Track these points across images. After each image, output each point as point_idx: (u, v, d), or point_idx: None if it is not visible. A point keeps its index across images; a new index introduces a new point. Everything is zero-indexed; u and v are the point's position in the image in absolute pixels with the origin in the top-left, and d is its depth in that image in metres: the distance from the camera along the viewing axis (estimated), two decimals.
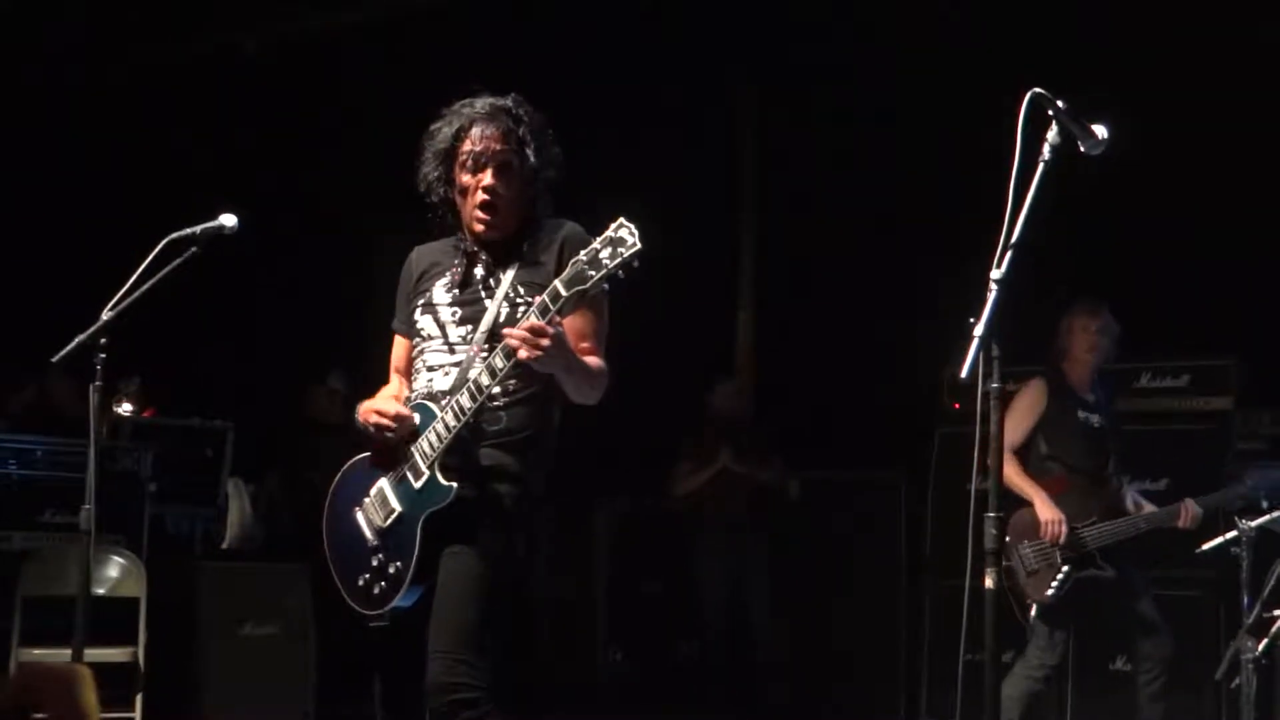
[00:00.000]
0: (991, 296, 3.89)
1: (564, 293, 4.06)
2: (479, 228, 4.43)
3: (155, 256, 5.02)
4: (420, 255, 4.63)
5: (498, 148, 4.38)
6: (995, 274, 3.91)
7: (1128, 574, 6.74)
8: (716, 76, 9.69)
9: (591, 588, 10.18)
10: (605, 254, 4.00)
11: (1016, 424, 6.75)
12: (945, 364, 8.18)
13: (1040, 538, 6.54)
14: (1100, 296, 6.97)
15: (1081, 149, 4.11)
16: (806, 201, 9.45)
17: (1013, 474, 6.67)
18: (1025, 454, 6.80)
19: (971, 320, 3.88)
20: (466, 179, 4.40)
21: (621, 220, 4.03)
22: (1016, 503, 6.66)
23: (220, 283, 7.73)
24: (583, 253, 4.03)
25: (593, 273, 4.01)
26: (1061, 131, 4.05)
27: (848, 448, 9.05)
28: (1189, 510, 6.69)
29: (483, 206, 4.40)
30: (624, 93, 9.55)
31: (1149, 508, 6.83)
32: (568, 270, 4.05)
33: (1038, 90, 4.05)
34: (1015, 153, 3.97)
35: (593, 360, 4.34)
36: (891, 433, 8.91)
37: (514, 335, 4.07)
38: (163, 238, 5.07)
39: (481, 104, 4.45)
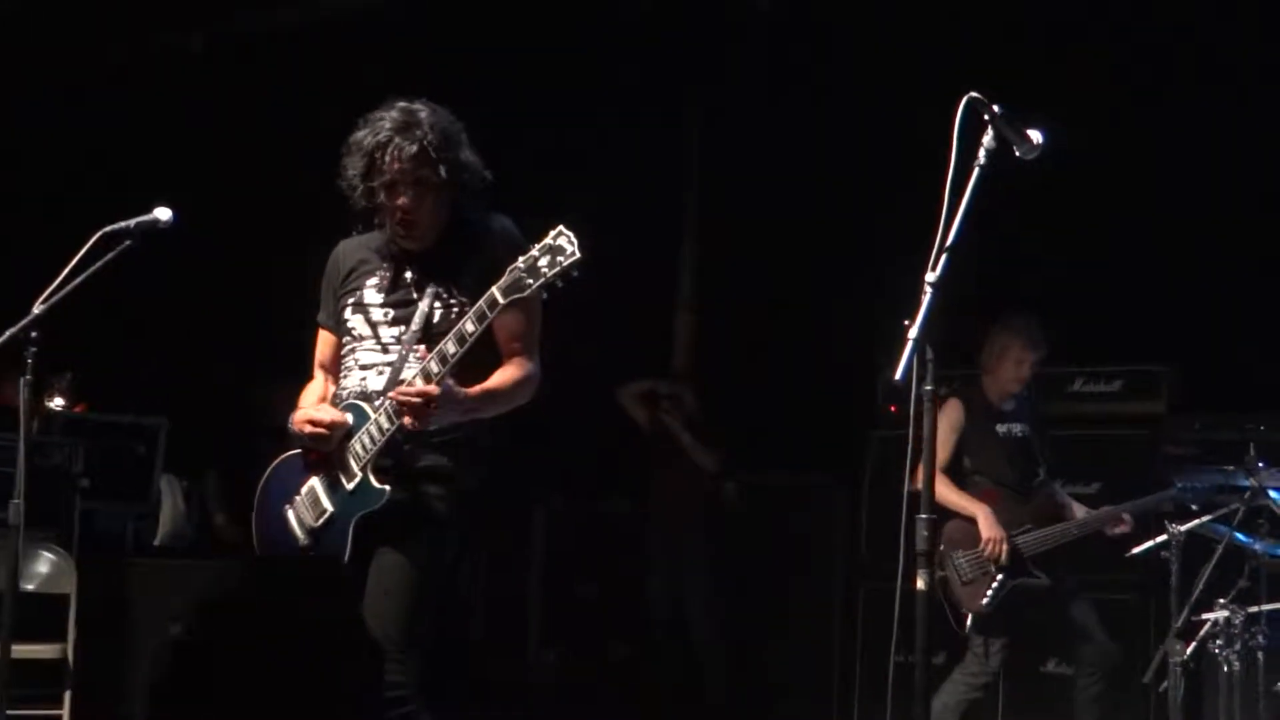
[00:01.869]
0: (926, 300, 3.91)
1: (501, 300, 4.07)
2: (400, 243, 4.44)
3: (89, 250, 4.98)
4: (347, 250, 4.62)
5: (409, 167, 4.35)
6: (930, 277, 3.93)
7: (1061, 581, 6.78)
8: (661, 79, 9.69)
9: (526, 587, 10.17)
10: (544, 262, 4.01)
11: (940, 445, 6.78)
12: (881, 368, 8.20)
13: (975, 549, 6.57)
14: (1038, 316, 6.98)
15: (1017, 154, 4.13)
16: (748, 204, 9.46)
17: (949, 493, 6.70)
18: (954, 471, 6.82)
19: (906, 323, 3.90)
20: (383, 199, 4.40)
21: (561, 228, 4.04)
22: (950, 512, 6.70)
23: (156, 278, 7.68)
24: (521, 260, 4.04)
25: (531, 280, 4.02)
26: (997, 136, 4.07)
27: (786, 450, 9.07)
28: (1120, 514, 6.74)
29: (401, 224, 4.40)
30: (568, 94, 9.55)
31: (1081, 513, 6.87)
32: (505, 277, 4.06)
33: (974, 95, 4.07)
34: (951, 157, 3.99)
35: (510, 371, 4.35)
36: (829, 436, 8.94)
37: (401, 406, 4.11)
38: (99, 231, 5.02)
39: (393, 119, 4.40)
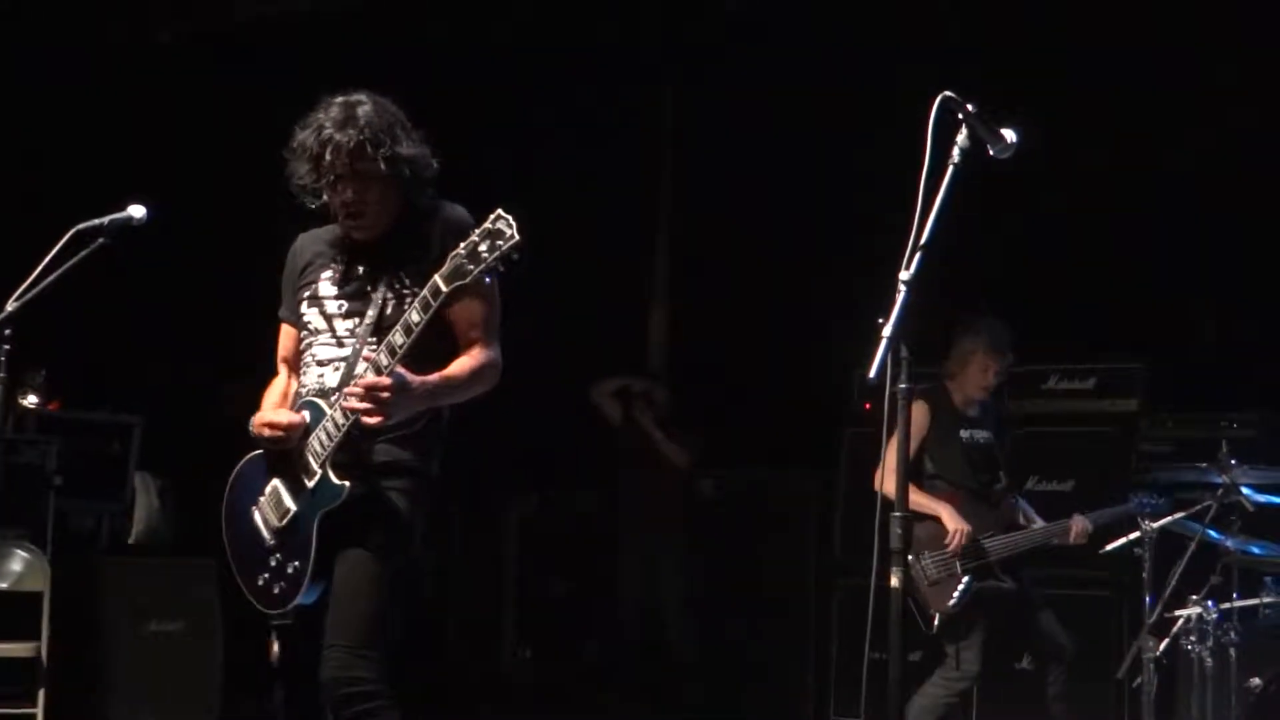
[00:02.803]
0: (900, 298, 3.92)
1: (444, 288, 4.07)
2: (349, 233, 4.44)
3: (62, 247, 4.97)
4: (304, 243, 4.62)
5: (348, 161, 4.34)
6: (904, 275, 3.94)
7: (1026, 586, 6.81)
8: (634, 72, 9.69)
9: (500, 586, 10.17)
10: (484, 247, 4.00)
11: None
12: (856, 365, 8.22)
13: (943, 548, 6.59)
14: (1004, 320, 6.98)
15: (990, 153, 4.14)
16: (721, 198, 9.47)
17: (912, 493, 6.71)
18: (916, 473, 6.83)
19: (880, 321, 3.91)
20: (329, 195, 4.41)
21: (499, 212, 4.03)
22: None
23: (131, 275, 7.66)
24: (461, 246, 4.04)
25: (471, 267, 4.02)
26: (971, 135, 4.09)
27: (760, 446, 9.08)
28: (1078, 525, 6.76)
29: (349, 216, 4.40)
30: (541, 87, 9.55)
31: (1039, 522, 6.89)
32: (447, 265, 4.05)
33: (948, 94, 4.08)
34: (925, 155, 4.00)
35: (469, 359, 4.34)
36: (803, 432, 8.95)
37: (351, 405, 4.11)
38: (72, 228, 5.01)
39: (332, 117, 4.39)
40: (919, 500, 6.66)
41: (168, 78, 9.89)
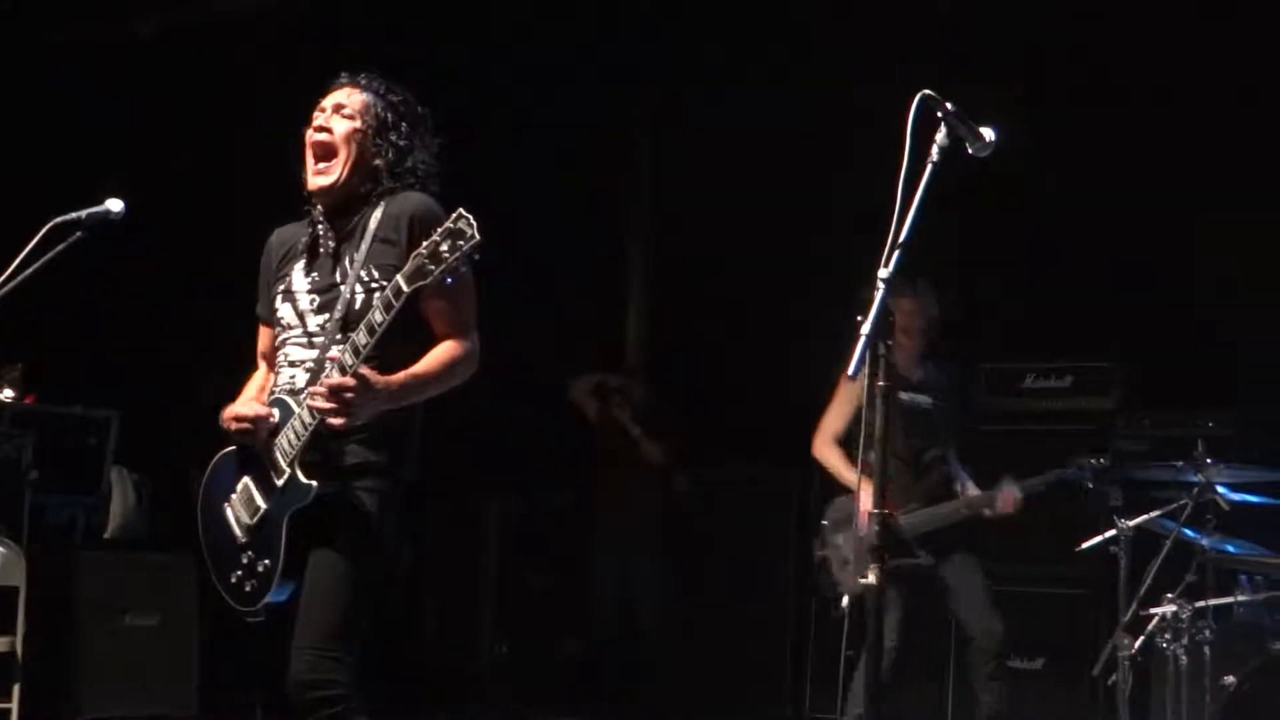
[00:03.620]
0: (878, 295, 3.92)
1: (405, 288, 4.07)
2: (312, 184, 4.42)
3: (40, 241, 4.95)
4: (279, 238, 4.62)
5: (339, 99, 4.45)
6: (882, 273, 3.94)
7: (951, 562, 6.74)
8: (611, 70, 9.69)
9: (477, 582, 10.16)
10: (445, 247, 4.00)
11: (839, 412, 6.77)
12: (835, 362, 8.21)
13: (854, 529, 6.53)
14: (935, 279, 6.84)
15: (969, 151, 4.15)
16: (698, 197, 9.47)
17: (837, 463, 6.69)
18: (848, 439, 6.75)
19: (859, 318, 3.92)
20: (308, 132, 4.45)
21: (460, 211, 4.04)
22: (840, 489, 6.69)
23: (108, 268, 7.64)
24: (423, 246, 4.04)
25: (433, 267, 4.02)
26: (950, 134, 4.09)
27: (738, 445, 9.09)
28: (1007, 494, 6.69)
29: (316, 156, 4.40)
30: (517, 87, 9.54)
31: (973, 492, 6.84)
32: (409, 264, 4.06)
33: (927, 92, 4.08)
34: (904, 153, 4.01)
35: (442, 353, 4.31)
36: (782, 430, 8.95)
37: (316, 405, 4.11)
38: (49, 222, 4.99)
39: (348, 77, 4.52)
40: (843, 471, 6.62)
41: (146, 71, 9.86)
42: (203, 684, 7.97)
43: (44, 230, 4.93)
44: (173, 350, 9.86)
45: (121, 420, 8.35)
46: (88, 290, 8.51)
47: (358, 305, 4.28)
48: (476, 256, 4.01)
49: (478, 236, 3.99)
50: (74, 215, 4.95)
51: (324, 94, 4.52)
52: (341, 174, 4.40)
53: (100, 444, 8.32)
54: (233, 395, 4.67)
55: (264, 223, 4.80)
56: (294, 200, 4.60)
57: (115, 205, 4.98)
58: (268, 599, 4.26)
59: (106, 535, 8.44)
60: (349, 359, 4.13)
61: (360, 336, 4.13)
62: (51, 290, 5.07)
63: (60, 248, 4.91)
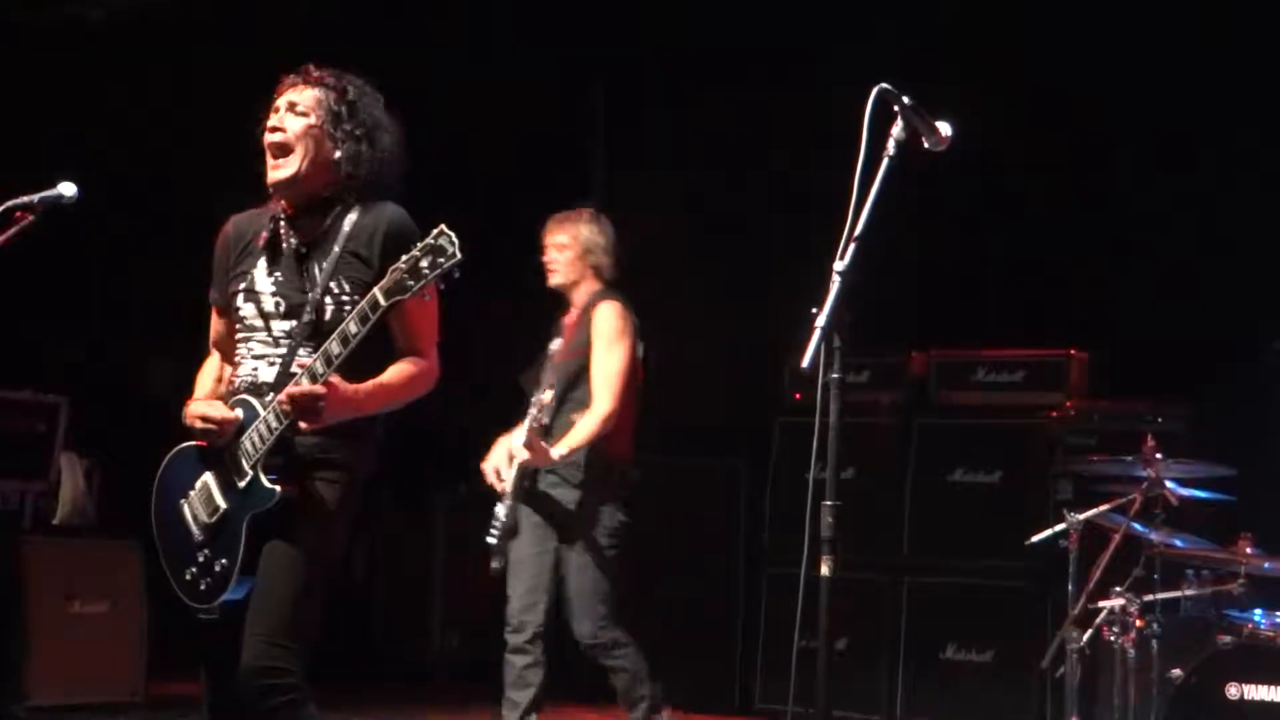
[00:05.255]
0: (834, 288, 3.93)
1: (383, 302, 4.06)
2: (270, 179, 4.39)
3: None
4: (237, 226, 4.56)
5: (291, 97, 4.40)
6: (838, 265, 3.95)
7: (587, 545, 6.45)
8: (566, 67, 9.68)
9: (428, 570, 10.14)
10: (425, 263, 3.99)
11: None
12: (787, 354, 8.24)
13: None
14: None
15: (925, 145, 4.17)
16: (653, 187, 9.46)
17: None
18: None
19: (814, 311, 3.93)
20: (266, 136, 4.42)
21: (442, 228, 4.02)
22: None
23: (57, 252, 7.59)
24: (403, 260, 4.02)
25: (412, 282, 4.01)
26: (907, 127, 4.11)
27: (689, 434, 9.08)
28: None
29: (272, 154, 4.38)
30: (472, 82, 9.53)
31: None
32: (387, 278, 4.04)
33: (884, 85, 4.10)
34: (861, 146, 4.02)
35: (405, 367, 4.31)
36: (733, 421, 8.97)
37: (288, 410, 4.11)
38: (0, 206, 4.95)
39: (299, 74, 4.48)
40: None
41: (97, 55, 9.80)
42: (150, 671, 7.95)
43: None
44: (122, 336, 9.80)
45: (71, 406, 8.30)
46: (36, 274, 8.45)
47: (327, 316, 4.26)
48: (457, 274, 4.00)
49: (459, 255, 3.97)
50: (27, 199, 4.91)
51: (276, 91, 4.47)
52: (301, 166, 4.37)
53: (50, 429, 8.26)
54: (183, 381, 4.64)
55: (213, 208, 4.77)
56: (243, 187, 4.58)
57: (68, 189, 4.94)
58: (224, 598, 4.24)
59: (55, 521, 8.39)
60: (320, 367, 4.12)
61: (334, 346, 4.11)
62: (0, 274, 5.03)
63: (11, 231, 4.87)
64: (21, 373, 8.40)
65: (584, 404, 6.38)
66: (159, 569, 4.44)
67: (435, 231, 4.02)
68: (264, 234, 4.43)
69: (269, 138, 4.39)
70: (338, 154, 4.38)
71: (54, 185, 4.94)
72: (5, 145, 9.31)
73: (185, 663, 4.61)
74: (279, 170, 4.38)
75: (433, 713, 8.85)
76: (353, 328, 4.09)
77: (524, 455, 6.19)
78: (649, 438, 9.17)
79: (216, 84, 9.28)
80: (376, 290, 4.06)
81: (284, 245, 4.40)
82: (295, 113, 4.40)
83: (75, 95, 9.82)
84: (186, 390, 4.60)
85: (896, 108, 4.11)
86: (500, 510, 6.32)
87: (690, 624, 8.82)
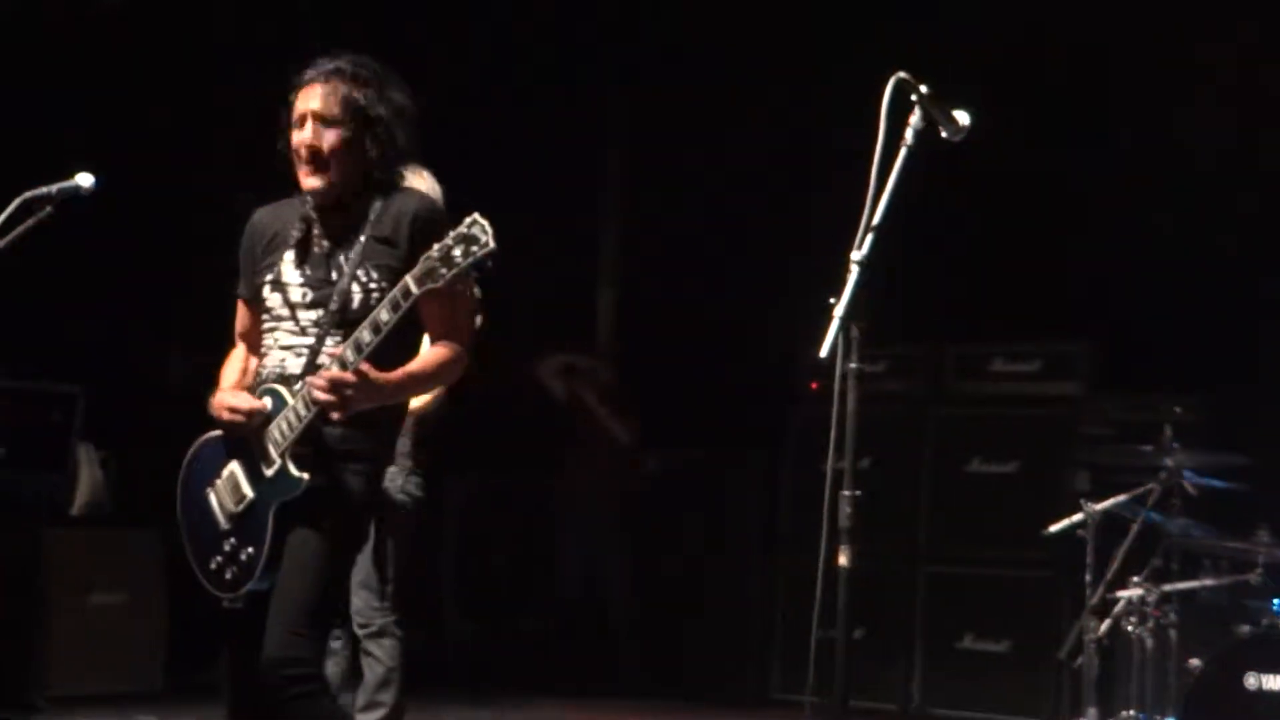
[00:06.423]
0: (852, 277, 3.93)
1: (414, 290, 4.04)
2: (306, 185, 4.37)
3: (9, 215, 4.91)
4: (263, 220, 4.52)
5: (317, 106, 4.30)
6: (856, 255, 3.95)
7: None
8: (586, 59, 9.68)
9: (440, 561, 10.15)
10: (458, 252, 3.98)
11: None
12: (803, 344, 8.23)
13: None
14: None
15: (943, 135, 4.16)
16: (669, 182, 9.48)
17: None
18: None
19: (832, 300, 3.92)
20: (293, 138, 4.37)
21: (475, 217, 4.00)
22: None
23: (74, 242, 7.60)
24: (435, 248, 4.01)
25: (444, 270, 3.99)
26: (924, 117, 4.10)
27: (707, 426, 9.10)
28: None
29: (307, 162, 4.35)
30: (491, 72, 9.52)
31: None
32: (419, 266, 4.02)
33: (902, 75, 4.09)
34: (879, 136, 4.01)
35: (435, 355, 4.30)
36: (750, 411, 8.97)
37: (315, 396, 4.09)
38: (17, 196, 4.95)
39: (319, 67, 4.38)
40: None
41: (113, 43, 9.80)
42: (169, 661, 7.96)
43: (14, 205, 4.89)
44: (139, 326, 9.81)
45: (87, 396, 8.31)
46: (52, 264, 8.46)
47: (355, 304, 4.24)
48: (489, 264, 3.99)
49: (492, 244, 3.96)
50: (45, 190, 4.92)
51: (295, 89, 4.38)
52: (337, 179, 4.34)
53: (66, 420, 8.27)
54: (204, 372, 4.64)
55: (231, 198, 4.76)
56: (264, 176, 4.56)
57: (86, 180, 4.94)
58: (249, 587, 4.24)
59: (73, 512, 8.40)
60: (350, 355, 4.11)
61: (364, 334, 4.10)
62: (16, 265, 5.03)
63: (30, 222, 4.88)
64: (37, 363, 8.42)
65: None
66: (178, 559, 4.44)
67: (468, 220, 4.01)
68: (295, 232, 4.41)
69: (304, 152, 4.34)
70: (372, 154, 4.36)
71: (71, 176, 4.95)
72: (23, 136, 9.33)
73: (205, 652, 4.62)
74: (314, 179, 4.33)
75: None
76: (384, 315, 4.08)
77: None
78: (667, 431, 9.22)
79: (240, 71, 9.30)
80: (408, 278, 4.05)
81: (315, 247, 4.39)
82: (326, 124, 4.34)
83: (93, 84, 9.82)
84: (205, 380, 4.60)
85: (914, 98, 4.10)
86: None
87: (708, 614, 8.84)
